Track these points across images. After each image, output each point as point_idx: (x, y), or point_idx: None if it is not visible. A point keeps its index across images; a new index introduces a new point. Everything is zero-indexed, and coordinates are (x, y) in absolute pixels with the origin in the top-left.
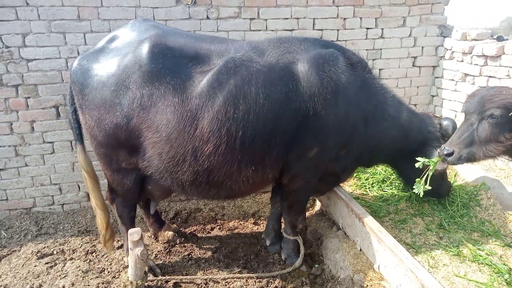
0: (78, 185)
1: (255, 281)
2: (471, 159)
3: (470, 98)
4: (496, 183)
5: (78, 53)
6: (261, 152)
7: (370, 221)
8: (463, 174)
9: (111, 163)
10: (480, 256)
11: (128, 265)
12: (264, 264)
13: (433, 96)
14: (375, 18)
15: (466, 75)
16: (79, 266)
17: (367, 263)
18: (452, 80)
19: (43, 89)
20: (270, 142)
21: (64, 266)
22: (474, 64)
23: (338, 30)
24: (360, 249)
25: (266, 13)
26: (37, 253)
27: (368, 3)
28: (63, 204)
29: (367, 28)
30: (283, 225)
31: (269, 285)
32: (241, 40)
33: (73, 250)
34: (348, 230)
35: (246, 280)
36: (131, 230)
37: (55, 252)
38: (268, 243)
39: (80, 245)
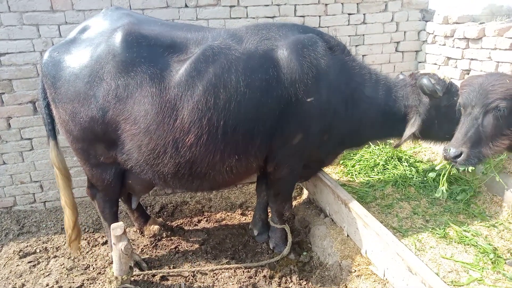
0: None
1: (243, 271)
2: (480, 157)
3: (467, 88)
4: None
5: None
6: (244, 141)
7: (356, 206)
8: None
9: (89, 158)
10: (466, 237)
11: (113, 261)
12: (252, 254)
13: None
14: (357, 4)
15: (449, 58)
16: (63, 264)
17: (355, 249)
18: (435, 64)
19: (18, 84)
20: (252, 130)
21: (47, 264)
22: (456, 47)
23: (320, 16)
24: (347, 235)
25: (246, 0)
26: (19, 252)
27: None
28: (45, 201)
29: (349, 14)
30: (270, 215)
31: (257, 275)
32: (218, 28)
33: (56, 248)
34: (335, 217)
35: (234, 271)
36: (113, 225)
37: (38, 251)
38: (255, 233)
39: (64, 243)
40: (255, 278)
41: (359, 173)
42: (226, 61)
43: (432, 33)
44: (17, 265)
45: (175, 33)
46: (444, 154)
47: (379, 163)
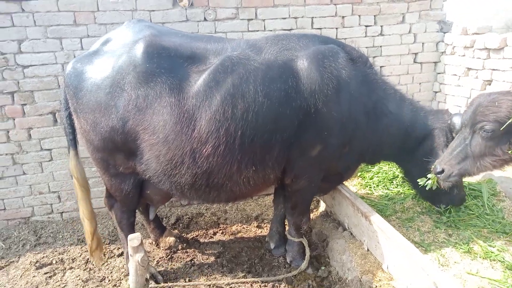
0: None
1: (260, 286)
2: (464, 174)
3: (467, 108)
4: (503, 178)
5: (75, 57)
6: (261, 151)
7: (377, 219)
8: None
9: (109, 168)
10: (491, 252)
11: (129, 273)
12: (269, 268)
13: (436, 92)
14: (374, 16)
15: (469, 69)
16: (79, 275)
17: (375, 263)
18: (455, 75)
19: (40, 95)
20: (270, 141)
21: (63, 275)
22: (477, 58)
23: (337, 28)
24: (368, 249)
25: (264, 13)
26: (36, 263)
27: (366, 1)
28: (62, 212)
29: (366, 26)
30: (287, 227)
31: None
32: (238, 39)
33: (72, 259)
34: (354, 230)
35: (251, 285)
36: (130, 236)
37: (54, 262)
38: (272, 246)
39: (80, 254)
40: None
41: (377, 185)
42: (244, 71)
43: (451, 44)
44: (34, 276)
45: (195, 44)
46: (432, 168)
47: (398, 175)
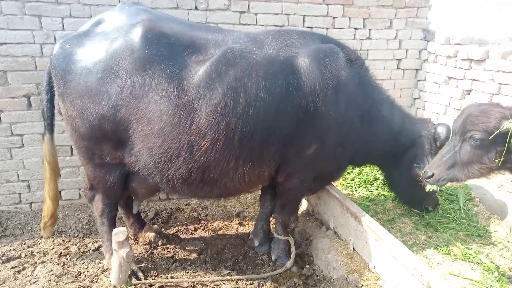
0: None
1: (245, 284)
2: (452, 180)
3: (458, 117)
4: (478, 184)
5: (55, 39)
6: (259, 148)
7: (367, 220)
8: None
9: (93, 158)
10: (469, 254)
11: (107, 268)
12: (253, 265)
13: (415, 98)
14: (363, 19)
15: (450, 78)
16: (52, 270)
17: (362, 263)
18: (435, 83)
19: (14, 76)
20: (269, 137)
21: (34, 270)
22: (459, 68)
23: (327, 28)
24: (353, 249)
25: (256, 7)
26: (2, 256)
27: (357, 3)
28: (31, 202)
29: (355, 28)
30: (272, 225)
31: (260, 287)
32: (238, 31)
33: (43, 253)
34: (340, 230)
35: (236, 282)
36: (116, 230)
37: (23, 255)
38: (256, 243)
39: (51, 247)
40: None
41: (358, 187)
42: (247, 65)
43: (434, 53)
44: (0, 271)
45: (195, 33)
46: (422, 173)
47: (378, 177)
